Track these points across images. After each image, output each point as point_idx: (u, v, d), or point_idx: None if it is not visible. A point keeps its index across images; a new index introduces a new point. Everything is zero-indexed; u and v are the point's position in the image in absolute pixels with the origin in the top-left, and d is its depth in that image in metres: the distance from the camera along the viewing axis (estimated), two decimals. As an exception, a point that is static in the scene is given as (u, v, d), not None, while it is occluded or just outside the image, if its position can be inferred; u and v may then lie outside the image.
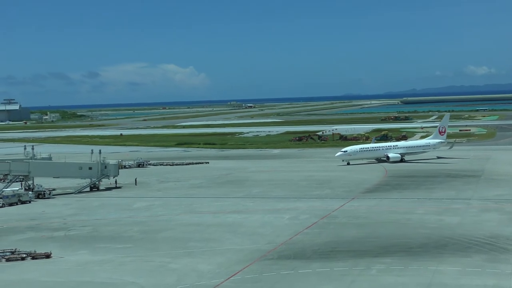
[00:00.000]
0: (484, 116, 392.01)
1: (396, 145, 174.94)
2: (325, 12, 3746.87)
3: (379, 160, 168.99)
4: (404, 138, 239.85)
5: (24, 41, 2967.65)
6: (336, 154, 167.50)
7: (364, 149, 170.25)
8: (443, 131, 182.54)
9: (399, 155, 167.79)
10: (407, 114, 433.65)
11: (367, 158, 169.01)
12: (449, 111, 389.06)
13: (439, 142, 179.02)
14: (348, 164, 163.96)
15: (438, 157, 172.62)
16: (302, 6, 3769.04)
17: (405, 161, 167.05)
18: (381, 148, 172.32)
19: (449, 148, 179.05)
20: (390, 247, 75.41)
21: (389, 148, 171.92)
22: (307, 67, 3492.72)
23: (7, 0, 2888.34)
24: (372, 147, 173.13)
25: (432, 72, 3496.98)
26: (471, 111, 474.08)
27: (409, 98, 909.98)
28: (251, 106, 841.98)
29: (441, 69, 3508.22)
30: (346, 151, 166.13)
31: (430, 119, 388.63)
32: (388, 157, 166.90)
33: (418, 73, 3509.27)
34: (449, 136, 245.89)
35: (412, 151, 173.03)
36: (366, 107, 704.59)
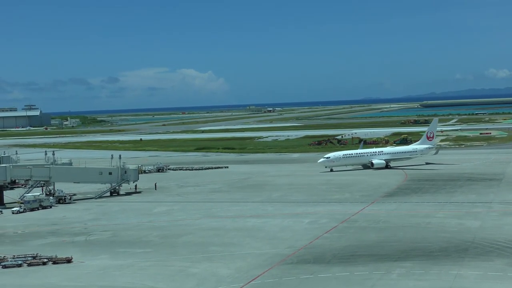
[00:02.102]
0: (505, 119, 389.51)
1: (382, 151, 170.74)
2: (344, 17, 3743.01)
3: (364, 167, 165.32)
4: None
5: (45, 47, 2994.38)
6: (319, 161, 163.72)
7: (348, 155, 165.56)
8: (431, 136, 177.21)
9: (384, 161, 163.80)
10: (426, 118, 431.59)
11: (351, 164, 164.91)
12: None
13: (427, 148, 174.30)
14: (331, 170, 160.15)
15: (427, 163, 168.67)
16: (322, 11, 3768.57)
17: (390, 168, 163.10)
18: (365, 154, 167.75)
19: (435, 154, 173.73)
20: (410, 251, 75.06)
21: (374, 154, 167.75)
22: (326, 71, 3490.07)
23: (28, 8, 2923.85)
24: (356, 153, 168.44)
25: (452, 75, 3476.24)
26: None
27: (429, 102, 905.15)
28: (271, 110, 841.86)
29: (461, 72, 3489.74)
30: (329, 157, 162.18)
31: (450, 122, 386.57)
32: (372, 164, 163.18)
33: (438, 76, 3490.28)
34: (471, 140, 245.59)
35: (398, 157, 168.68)
36: (386, 111, 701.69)
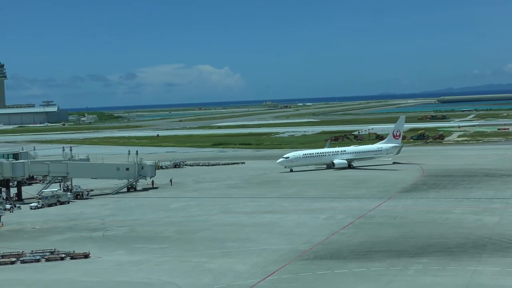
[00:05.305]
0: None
1: (345, 150, 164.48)
2: (360, 14, 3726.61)
3: (328, 166, 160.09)
4: (441, 137, 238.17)
5: (63, 44, 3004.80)
6: (277, 161, 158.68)
7: (308, 155, 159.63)
8: (397, 134, 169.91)
9: (345, 161, 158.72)
10: (444, 113, 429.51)
11: (312, 164, 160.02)
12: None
13: (393, 147, 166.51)
14: (291, 171, 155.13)
15: (395, 162, 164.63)
16: (338, 8, 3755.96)
17: (353, 167, 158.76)
18: (327, 153, 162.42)
19: (396, 153, 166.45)
20: (427, 247, 74.78)
21: (336, 153, 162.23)
22: (342, 67, 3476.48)
23: (46, 6, 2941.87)
24: (317, 153, 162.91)
25: (470, 71, 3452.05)
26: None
27: (446, 97, 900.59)
28: (287, 105, 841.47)
29: (479, 67, 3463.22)
30: (288, 157, 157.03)
31: (468, 118, 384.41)
32: (333, 163, 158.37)
33: (455, 71, 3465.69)
34: (489, 135, 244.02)
35: (362, 157, 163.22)
36: (403, 106, 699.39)
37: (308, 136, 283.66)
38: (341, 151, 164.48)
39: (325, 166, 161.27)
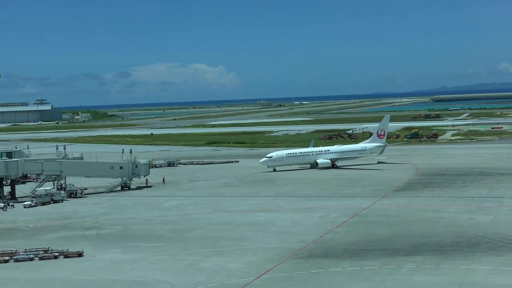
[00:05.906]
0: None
1: (328, 150, 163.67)
2: (356, 14, 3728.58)
3: (312, 166, 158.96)
4: (435, 136, 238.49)
5: (59, 43, 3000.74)
6: (260, 161, 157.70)
7: (291, 154, 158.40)
8: (382, 134, 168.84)
9: (329, 161, 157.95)
10: (438, 112, 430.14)
11: (296, 164, 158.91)
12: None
13: (377, 146, 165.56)
14: (274, 170, 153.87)
15: (379, 162, 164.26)
16: (335, 8, 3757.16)
17: (336, 167, 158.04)
18: (310, 153, 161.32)
19: (380, 153, 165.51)
20: (421, 246, 74.86)
21: (319, 153, 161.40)
22: (341, 66, 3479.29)
23: (44, 6, 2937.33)
24: (300, 152, 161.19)
25: (464, 70, 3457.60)
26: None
27: (440, 96, 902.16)
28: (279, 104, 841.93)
29: (473, 66, 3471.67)
30: (271, 157, 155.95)
31: (461, 117, 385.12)
32: (316, 163, 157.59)
33: (450, 70, 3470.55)
34: (482, 134, 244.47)
35: (345, 156, 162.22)
36: (397, 105, 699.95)
37: (302, 134, 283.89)
38: (325, 150, 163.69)
39: (309, 165, 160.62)
